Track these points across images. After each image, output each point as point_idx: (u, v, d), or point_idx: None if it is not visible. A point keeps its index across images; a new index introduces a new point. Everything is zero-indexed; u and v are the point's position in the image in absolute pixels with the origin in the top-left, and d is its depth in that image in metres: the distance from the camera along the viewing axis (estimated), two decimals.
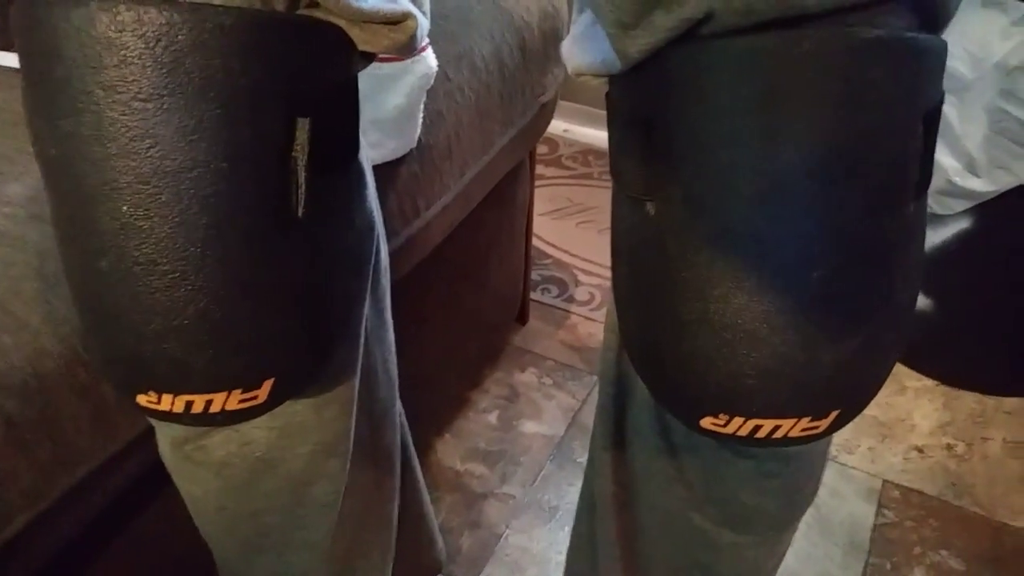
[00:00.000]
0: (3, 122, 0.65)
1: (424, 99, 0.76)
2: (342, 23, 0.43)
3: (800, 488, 0.56)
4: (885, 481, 1.10)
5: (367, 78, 0.69)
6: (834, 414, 0.43)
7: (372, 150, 0.72)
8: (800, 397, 0.41)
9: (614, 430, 0.60)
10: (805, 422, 0.42)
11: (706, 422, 0.43)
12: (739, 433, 0.43)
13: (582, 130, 1.80)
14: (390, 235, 0.78)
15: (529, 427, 1.17)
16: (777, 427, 0.42)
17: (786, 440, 0.43)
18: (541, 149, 1.73)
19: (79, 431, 0.54)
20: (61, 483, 0.54)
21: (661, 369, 0.44)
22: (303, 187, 0.42)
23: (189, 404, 0.43)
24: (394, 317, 0.66)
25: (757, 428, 0.42)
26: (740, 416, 0.42)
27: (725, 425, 0.43)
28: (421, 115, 0.76)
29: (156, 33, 0.37)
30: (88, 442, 0.55)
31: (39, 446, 0.52)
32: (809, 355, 0.40)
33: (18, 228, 0.55)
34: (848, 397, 0.43)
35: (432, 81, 0.74)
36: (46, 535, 0.55)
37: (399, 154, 0.76)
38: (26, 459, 0.51)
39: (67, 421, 0.53)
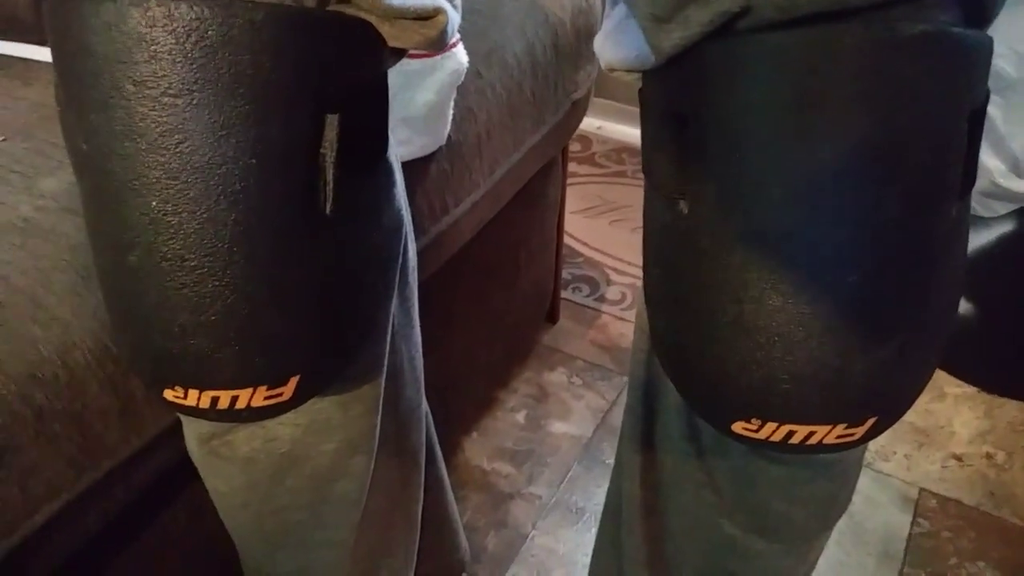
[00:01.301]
0: (40, 117, 0.66)
1: (454, 96, 0.75)
2: (372, 19, 0.43)
3: (833, 497, 0.55)
4: (922, 489, 1.08)
5: (397, 75, 0.68)
6: (871, 421, 0.42)
7: (401, 147, 0.72)
8: (836, 403, 0.40)
9: (643, 433, 0.59)
10: (840, 429, 0.41)
11: (738, 427, 0.42)
12: (772, 439, 0.42)
13: (616, 127, 1.79)
14: (419, 232, 0.77)
15: (557, 427, 1.17)
16: (811, 433, 0.41)
17: (820, 447, 0.42)
18: (574, 147, 1.72)
19: (107, 425, 0.54)
20: (87, 476, 0.54)
21: (692, 372, 0.44)
22: (331, 184, 0.42)
23: (215, 400, 0.43)
24: (423, 315, 0.66)
25: (791, 434, 0.41)
26: (773, 421, 0.41)
27: (758, 430, 0.42)
28: (451, 112, 0.76)
29: (186, 28, 0.37)
30: (115, 436, 0.55)
31: (67, 438, 0.52)
32: (845, 360, 0.39)
33: (50, 220, 0.56)
34: (885, 404, 0.42)
35: (463, 78, 0.74)
36: (71, 527, 0.56)
37: (428, 151, 0.76)
38: (53, 451, 0.52)
39: (95, 414, 0.53)
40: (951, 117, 0.38)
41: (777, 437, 0.41)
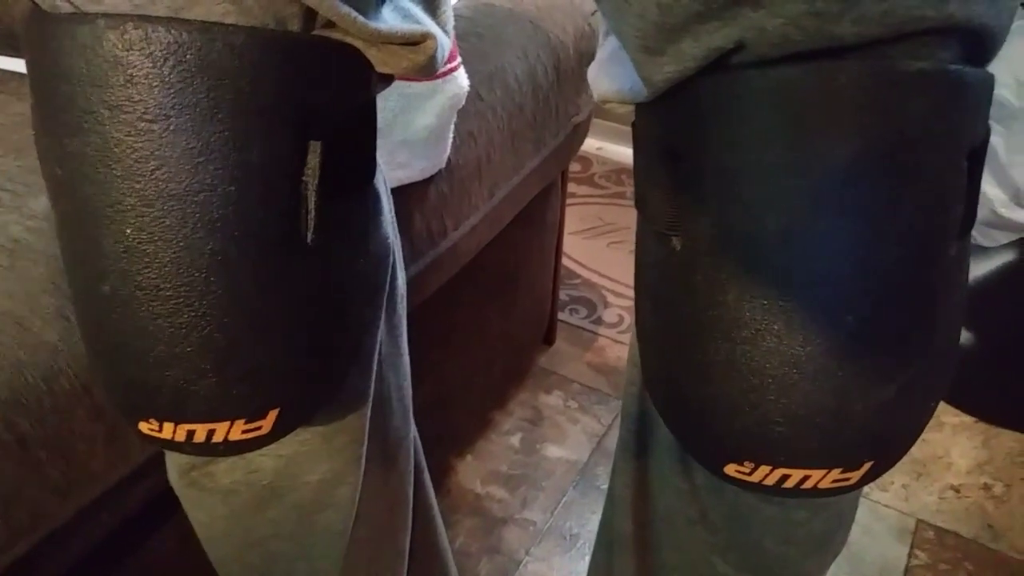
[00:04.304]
0: (32, 134, 0.65)
1: (455, 119, 0.75)
2: (359, 44, 0.42)
3: (829, 538, 0.54)
4: (919, 521, 1.06)
5: (397, 97, 0.68)
6: (867, 465, 0.40)
7: (400, 170, 0.71)
8: (832, 447, 0.39)
9: (636, 467, 0.58)
10: (836, 473, 0.40)
11: (730, 469, 0.41)
12: (765, 482, 0.41)
13: (616, 148, 1.78)
14: (417, 256, 0.77)
15: (552, 451, 1.15)
16: (806, 477, 0.40)
17: (815, 491, 0.41)
18: (574, 167, 1.72)
19: (92, 452, 0.53)
20: (72, 504, 0.53)
21: (684, 412, 0.43)
22: (313, 212, 0.41)
23: (191, 433, 0.41)
24: (419, 337, 0.65)
25: (785, 477, 0.40)
26: (767, 464, 0.40)
27: (751, 473, 0.41)
28: (451, 135, 0.75)
29: (164, 52, 0.36)
30: (101, 463, 0.54)
31: (51, 466, 0.51)
32: (842, 403, 0.38)
33: (40, 242, 0.55)
34: (883, 447, 0.41)
35: (463, 101, 0.73)
36: (55, 555, 0.55)
37: (428, 174, 0.75)
38: (37, 479, 0.51)
39: (80, 441, 0.52)
40: (951, 156, 0.37)
41: (771, 481, 0.40)
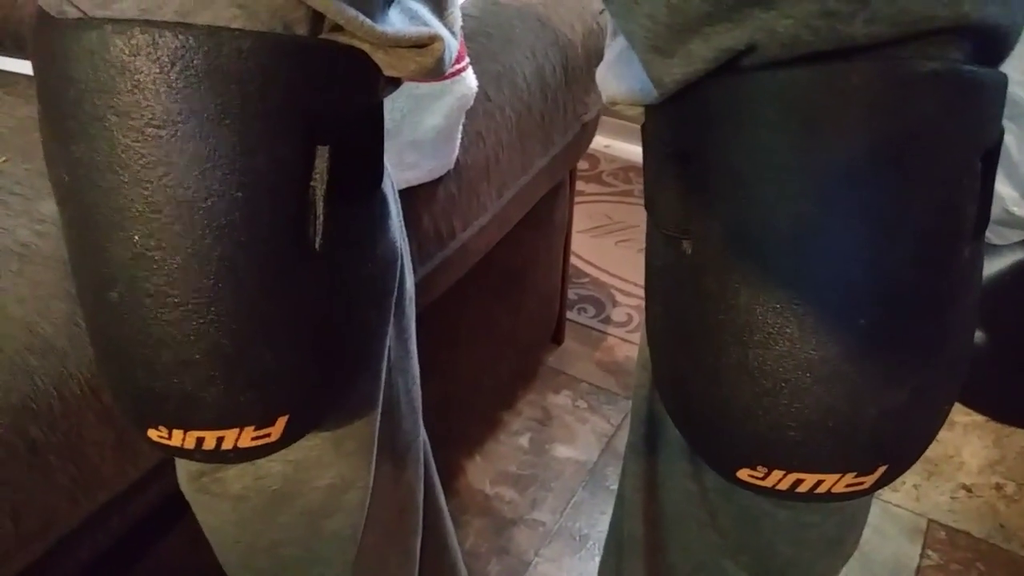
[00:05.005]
0: (40, 138, 0.65)
1: (463, 119, 0.74)
2: (366, 47, 0.41)
3: (841, 541, 0.53)
4: (931, 521, 1.06)
5: (406, 98, 0.68)
6: (881, 469, 0.40)
7: (409, 171, 0.71)
8: (845, 451, 0.39)
9: (645, 470, 0.58)
10: (850, 477, 0.40)
11: (743, 474, 0.41)
12: (779, 487, 0.40)
13: (624, 146, 1.77)
14: (425, 257, 0.76)
15: (562, 451, 1.15)
16: (820, 482, 0.40)
17: (829, 496, 0.40)
18: (581, 165, 1.71)
19: (102, 457, 0.53)
20: (82, 508, 0.53)
21: (696, 416, 0.42)
22: (321, 218, 0.40)
23: (200, 440, 0.41)
24: (428, 338, 0.65)
25: (798, 482, 0.40)
26: (780, 469, 0.40)
27: (764, 478, 0.40)
28: (459, 136, 0.75)
29: (171, 57, 0.36)
30: (111, 468, 0.54)
31: (62, 471, 0.51)
32: (855, 407, 0.38)
33: (49, 246, 0.55)
34: (897, 451, 0.40)
35: (472, 101, 0.73)
36: (65, 560, 0.55)
37: (436, 175, 0.75)
38: (48, 484, 0.51)
39: (91, 446, 0.52)
40: (964, 157, 0.36)
41: (784, 485, 0.40)
